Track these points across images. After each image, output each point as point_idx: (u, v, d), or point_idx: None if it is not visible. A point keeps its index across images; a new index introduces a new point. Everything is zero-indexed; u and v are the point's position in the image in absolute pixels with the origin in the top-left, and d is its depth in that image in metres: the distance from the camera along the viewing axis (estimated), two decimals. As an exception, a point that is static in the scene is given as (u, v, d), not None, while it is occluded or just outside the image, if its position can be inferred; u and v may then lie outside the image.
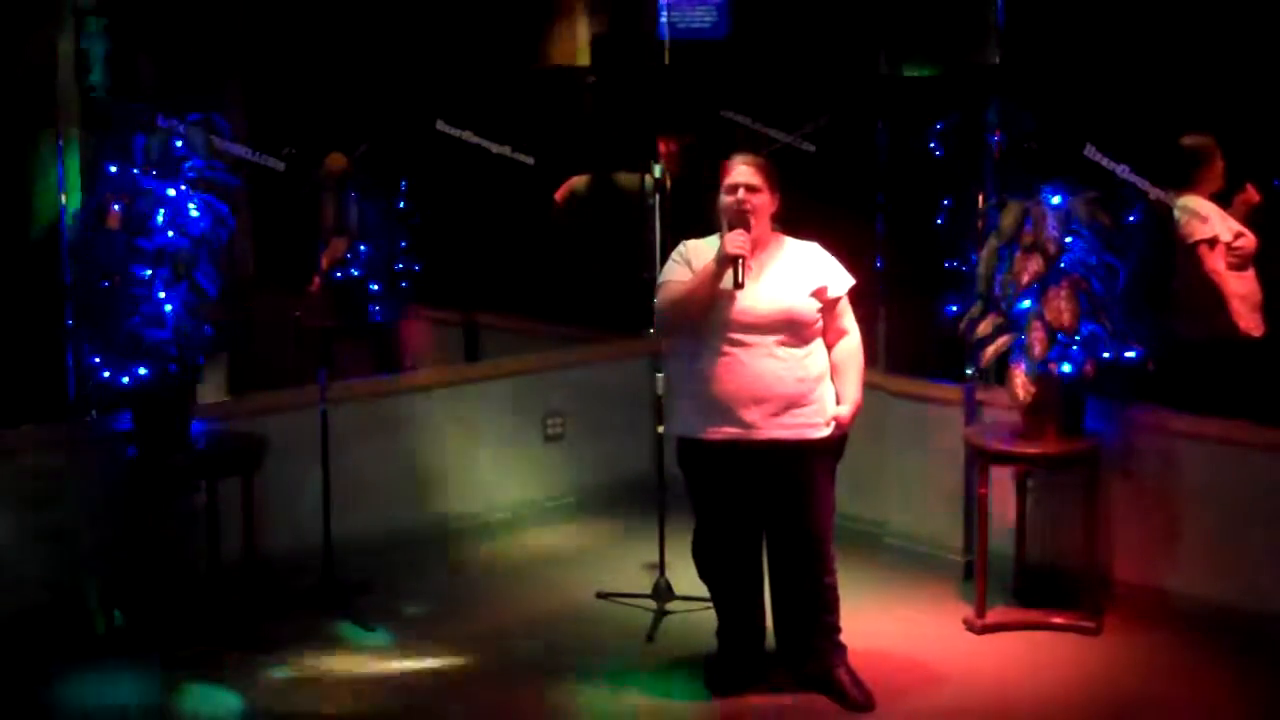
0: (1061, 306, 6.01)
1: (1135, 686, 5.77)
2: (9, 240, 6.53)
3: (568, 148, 8.62)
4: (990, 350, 6.18)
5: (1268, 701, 5.66)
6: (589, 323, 8.26)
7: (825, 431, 5.51)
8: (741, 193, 5.45)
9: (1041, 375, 6.05)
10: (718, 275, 5.40)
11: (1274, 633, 6.00)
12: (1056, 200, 6.08)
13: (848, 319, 5.61)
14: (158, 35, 6.73)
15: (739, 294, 5.41)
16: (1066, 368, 6.05)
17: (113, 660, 5.98)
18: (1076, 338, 6.05)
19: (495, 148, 7.31)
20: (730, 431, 5.46)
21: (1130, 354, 6.13)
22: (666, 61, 7.17)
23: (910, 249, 7.33)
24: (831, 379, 5.56)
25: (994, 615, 6.25)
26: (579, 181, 8.74)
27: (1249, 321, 6.58)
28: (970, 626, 6.23)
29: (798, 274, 5.52)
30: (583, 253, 8.57)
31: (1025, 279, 6.04)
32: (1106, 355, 6.10)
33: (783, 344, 5.45)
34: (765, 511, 5.58)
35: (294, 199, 7.17)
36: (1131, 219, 6.39)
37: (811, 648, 5.64)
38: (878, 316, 7.20)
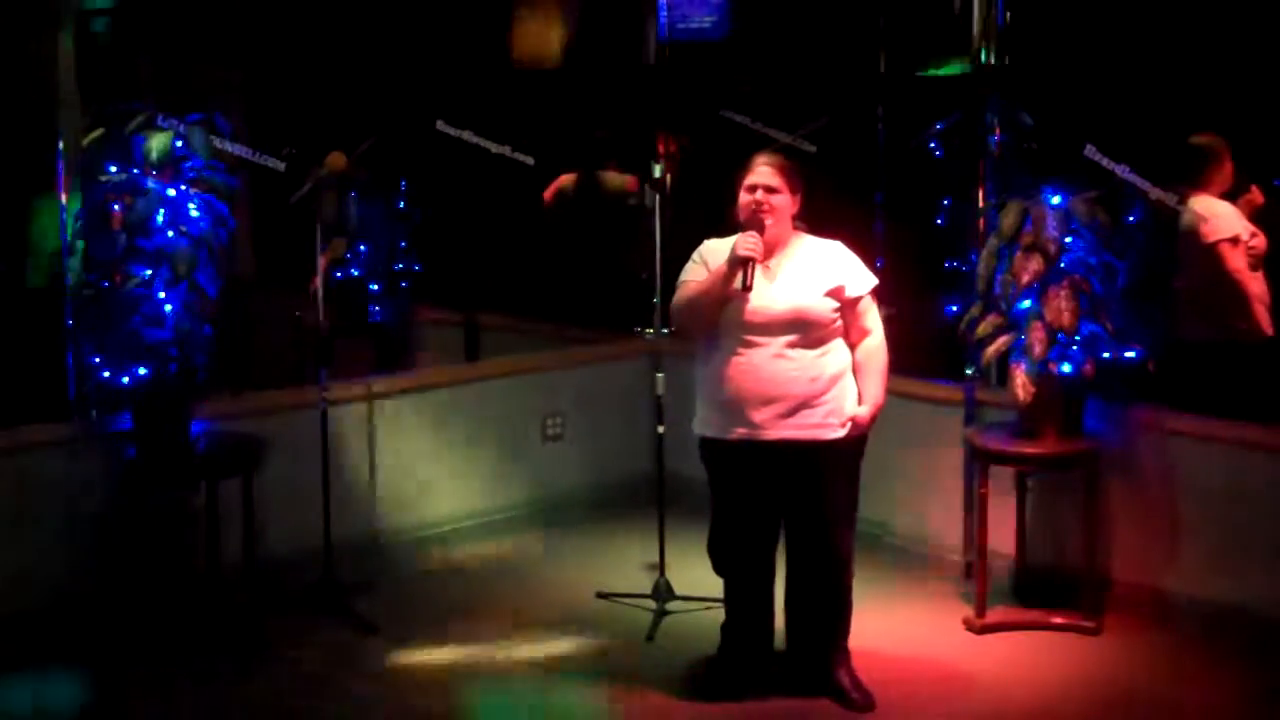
0: (1061, 306, 6.01)
1: (1135, 686, 5.77)
2: (10, 241, 6.54)
3: (554, 147, 8.63)
4: (990, 350, 6.18)
5: (1268, 702, 5.66)
6: (589, 323, 8.26)
7: (840, 433, 5.48)
8: (760, 194, 5.43)
9: (1041, 375, 6.05)
10: (729, 276, 5.39)
11: (1274, 633, 6.00)
12: (1056, 200, 6.08)
13: (870, 318, 5.56)
14: (158, 35, 6.73)
15: (753, 294, 5.38)
16: (1066, 368, 6.05)
17: (114, 660, 5.99)
18: (1076, 338, 6.05)
19: (495, 148, 7.31)
20: (743, 432, 5.46)
21: (1130, 354, 6.13)
22: (666, 62, 7.18)
23: (910, 249, 7.34)
24: (855, 378, 5.56)
25: (994, 615, 6.26)
26: (567, 180, 8.75)
27: (1264, 321, 6.58)
28: (970, 626, 6.23)
29: (813, 274, 5.49)
30: (573, 251, 8.58)
31: (1025, 279, 6.04)
32: (1106, 355, 6.11)
33: (794, 345, 5.43)
34: (783, 512, 5.57)
35: (294, 199, 7.17)
36: (1131, 219, 6.39)
37: (816, 649, 5.65)
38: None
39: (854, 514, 5.59)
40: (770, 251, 5.42)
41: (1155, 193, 6.47)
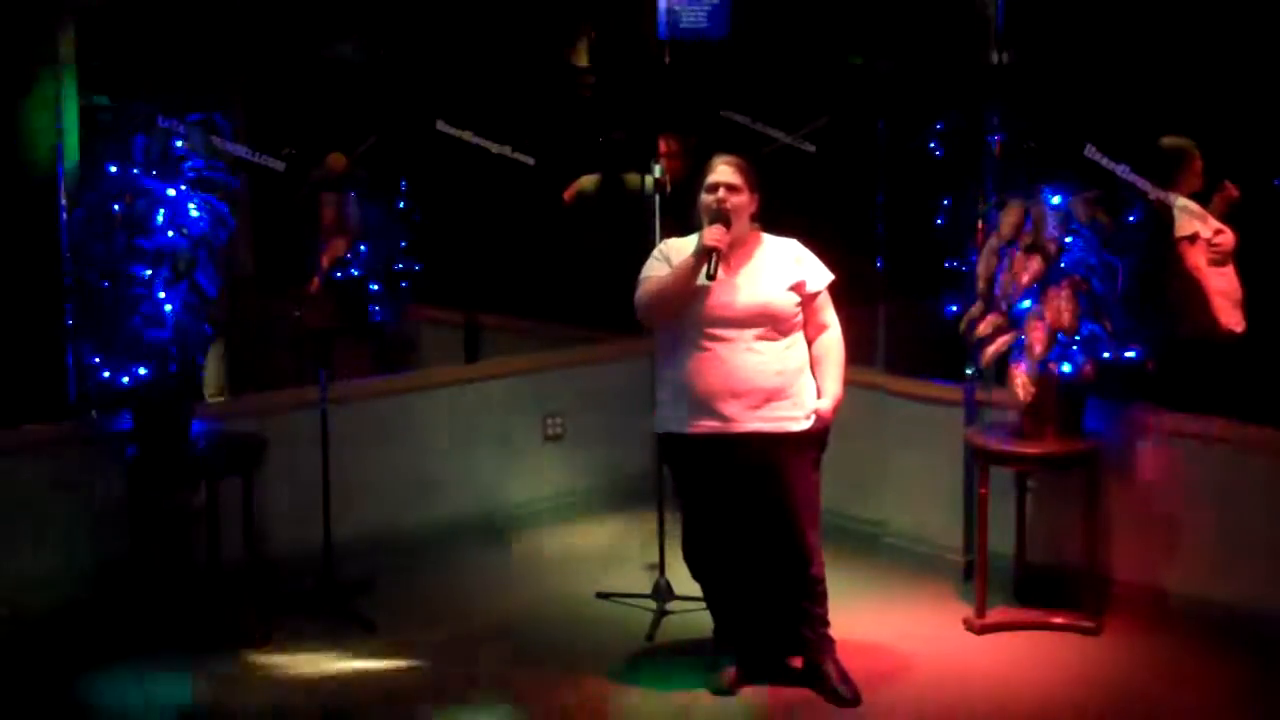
0: (1061, 306, 6.01)
1: (1135, 686, 5.78)
2: (10, 241, 6.53)
3: (569, 147, 8.62)
4: (990, 350, 6.18)
5: (1268, 702, 5.66)
6: (589, 323, 8.25)
7: (805, 424, 5.54)
8: (721, 192, 5.52)
9: (1041, 375, 6.05)
10: (694, 268, 5.45)
11: (1274, 633, 6.00)
12: (1056, 200, 6.08)
13: (828, 313, 5.65)
14: (158, 35, 6.73)
15: (718, 289, 5.46)
16: (1066, 368, 6.06)
17: (113, 660, 5.99)
18: (1076, 338, 6.05)
19: (495, 148, 7.31)
20: (710, 425, 5.49)
21: (1130, 354, 6.13)
22: (666, 61, 7.16)
23: (910, 249, 7.32)
24: (812, 372, 5.59)
25: (994, 615, 6.26)
26: (587, 181, 8.74)
27: (1230, 318, 6.59)
28: (970, 626, 6.24)
29: (776, 270, 5.57)
30: (590, 252, 8.56)
31: (1025, 279, 6.04)
32: (1106, 355, 6.11)
33: (762, 338, 5.50)
34: (748, 504, 5.59)
35: (294, 199, 7.17)
36: (1131, 219, 6.39)
37: (799, 639, 5.67)
38: (878, 316, 7.21)
39: (818, 504, 5.64)
40: (733, 248, 5.49)
41: (1155, 193, 6.48)
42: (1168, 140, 6.69)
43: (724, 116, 7.41)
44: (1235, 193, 6.68)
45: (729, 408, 5.48)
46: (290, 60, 8.12)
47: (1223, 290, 6.58)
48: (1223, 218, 6.65)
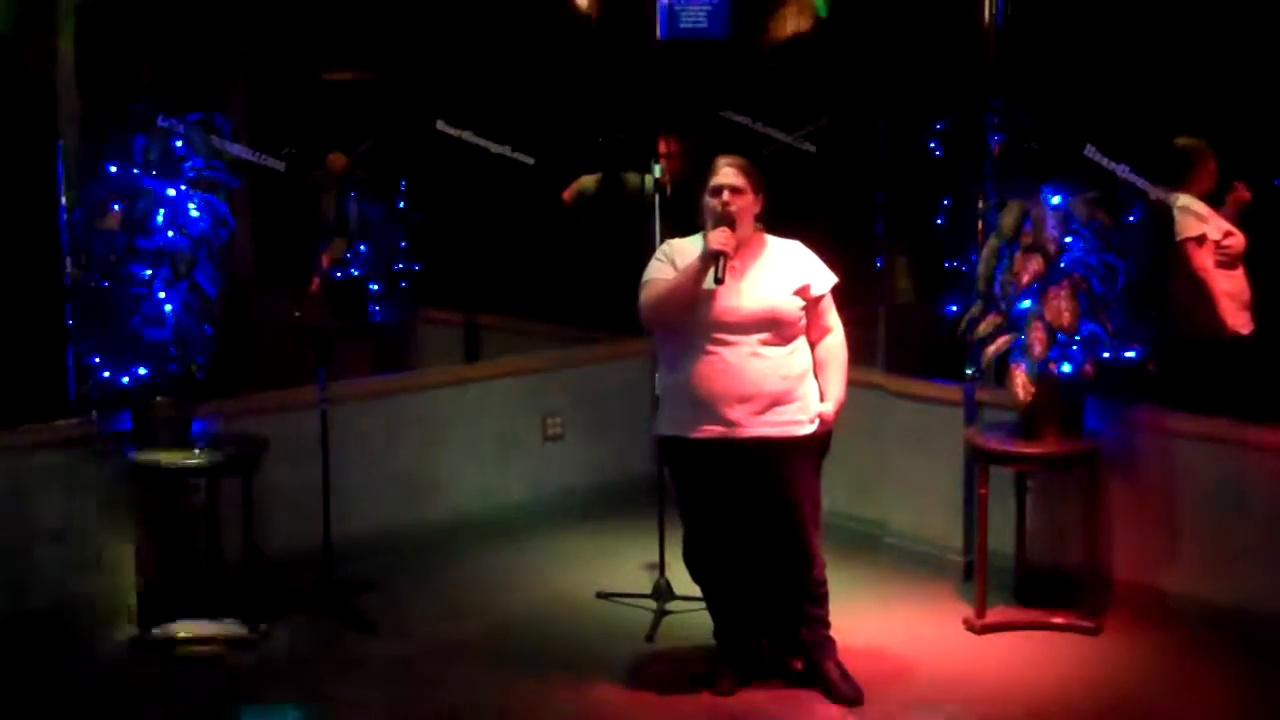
0: (1061, 306, 6.01)
1: (1135, 686, 5.77)
2: (9, 241, 6.53)
3: (569, 146, 8.62)
4: (990, 350, 6.18)
5: (1267, 701, 5.66)
6: (589, 323, 8.26)
7: (810, 429, 5.54)
8: (726, 194, 5.50)
9: (1041, 375, 6.05)
10: (701, 272, 5.44)
11: (1273, 633, 6.00)
12: (1056, 200, 6.08)
13: (831, 316, 5.64)
14: (157, 35, 6.73)
15: (722, 293, 5.44)
16: (1066, 368, 6.06)
17: (113, 660, 5.99)
18: (1076, 338, 6.05)
19: (495, 148, 7.31)
20: (715, 430, 5.48)
21: (1130, 354, 6.13)
22: (665, 61, 7.17)
23: (910, 249, 7.32)
24: (815, 376, 5.59)
25: (994, 615, 6.26)
26: (588, 181, 8.74)
27: (1237, 320, 6.60)
28: (970, 626, 6.24)
29: (780, 273, 5.56)
30: (590, 252, 8.57)
31: (1025, 279, 6.04)
32: (1106, 355, 6.11)
33: (766, 343, 5.48)
34: (750, 507, 5.59)
35: (293, 199, 7.17)
36: (1131, 219, 6.40)
37: (800, 641, 5.67)
38: (878, 317, 7.21)
39: (820, 507, 5.64)
40: (737, 251, 5.48)
41: (1155, 193, 6.48)
42: (1181, 140, 6.70)
43: (724, 116, 7.41)
44: (1247, 195, 6.69)
45: (734, 412, 5.47)
46: (290, 61, 8.13)
47: (1230, 292, 6.59)
48: (1234, 220, 6.65)
